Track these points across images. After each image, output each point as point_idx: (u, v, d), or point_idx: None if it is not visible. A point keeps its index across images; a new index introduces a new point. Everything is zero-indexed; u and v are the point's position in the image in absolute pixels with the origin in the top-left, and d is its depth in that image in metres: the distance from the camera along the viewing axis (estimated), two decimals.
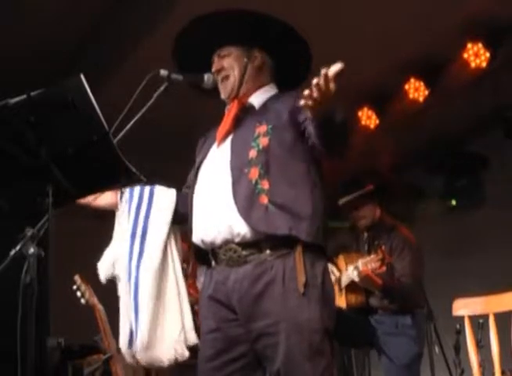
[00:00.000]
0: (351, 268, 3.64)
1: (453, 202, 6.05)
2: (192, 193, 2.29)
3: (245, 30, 2.30)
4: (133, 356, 2.36)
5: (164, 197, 2.47)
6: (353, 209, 3.98)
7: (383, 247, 3.53)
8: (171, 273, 2.39)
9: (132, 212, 2.45)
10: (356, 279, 3.60)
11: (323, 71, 1.79)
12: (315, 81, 1.81)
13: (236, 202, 2.10)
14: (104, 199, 2.50)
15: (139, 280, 2.35)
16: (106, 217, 2.60)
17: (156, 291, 2.34)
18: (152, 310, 2.32)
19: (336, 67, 1.78)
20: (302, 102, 1.86)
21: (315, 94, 1.82)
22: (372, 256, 3.53)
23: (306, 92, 1.84)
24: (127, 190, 2.49)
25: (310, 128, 2.08)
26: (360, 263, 3.55)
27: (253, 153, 2.15)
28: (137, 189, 2.49)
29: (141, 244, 2.39)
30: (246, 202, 2.10)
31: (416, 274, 3.76)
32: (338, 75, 1.78)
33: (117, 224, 2.50)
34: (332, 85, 1.80)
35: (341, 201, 3.97)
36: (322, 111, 1.88)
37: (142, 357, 2.33)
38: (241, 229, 2.10)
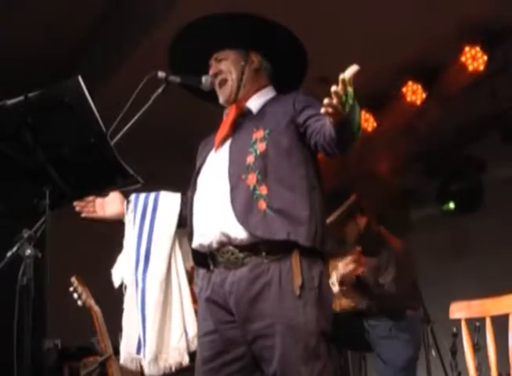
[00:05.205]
0: (334, 272, 3.70)
1: (451, 205, 6.05)
2: (192, 198, 2.29)
3: (242, 34, 2.29)
4: (137, 363, 2.37)
5: (169, 205, 2.46)
6: (338, 228, 3.94)
7: (358, 248, 3.54)
8: (175, 281, 2.40)
9: (137, 222, 2.45)
10: (338, 281, 3.66)
11: (341, 77, 1.77)
12: (333, 88, 1.79)
13: (234, 208, 2.10)
14: (111, 209, 2.52)
15: (146, 292, 2.36)
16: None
17: (163, 302, 2.35)
18: (159, 322, 2.33)
19: (352, 70, 1.77)
20: (323, 110, 1.85)
21: (335, 101, 1.81)
22: (349, 257, 3.58)
23: (326, 100, 1.82)
24: (132, 199, 2.49)
25: (316, 126, 2.08)
26: (340, 266, 3.61)
27: (250, 159, 2.15)
28: (142, 197, 2.49)
29: (146, 255, 2.40)
30: (244, 208, 2.09)
31: (403, 284, 3.76)
32: (354, 77, 1.77)
33: (126, 232, 2.50)
34: (350, 90, 1.80)
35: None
36: (344, 116, 1.86)
37: (150, 368, 2.33)
38: (238, 234, 2.10)
